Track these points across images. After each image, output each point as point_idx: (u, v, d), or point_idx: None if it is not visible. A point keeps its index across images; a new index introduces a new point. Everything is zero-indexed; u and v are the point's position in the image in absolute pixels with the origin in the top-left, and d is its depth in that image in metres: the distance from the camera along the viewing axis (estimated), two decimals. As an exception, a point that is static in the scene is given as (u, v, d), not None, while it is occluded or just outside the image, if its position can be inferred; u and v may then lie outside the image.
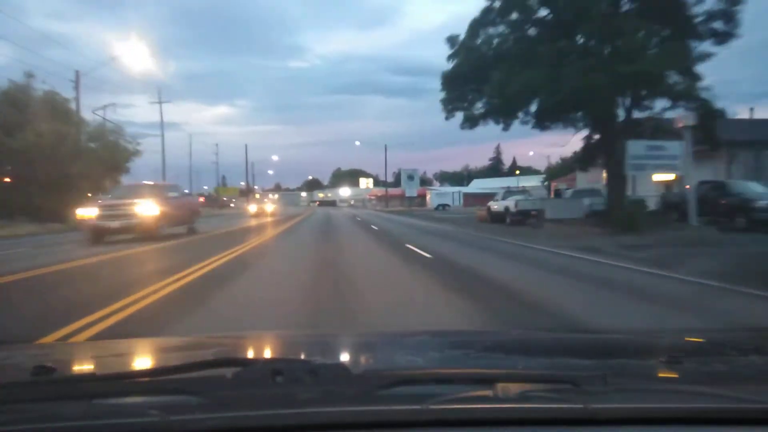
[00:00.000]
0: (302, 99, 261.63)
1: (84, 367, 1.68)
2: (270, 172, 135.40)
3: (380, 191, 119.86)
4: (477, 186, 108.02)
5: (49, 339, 4.47)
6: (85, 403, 1.07)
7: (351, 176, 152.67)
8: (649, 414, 1.11)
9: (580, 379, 1.15)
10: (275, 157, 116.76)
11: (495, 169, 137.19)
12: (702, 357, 1.74)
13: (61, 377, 1.28)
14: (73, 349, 2.32)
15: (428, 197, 74.24)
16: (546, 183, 71.31)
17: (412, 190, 74.55)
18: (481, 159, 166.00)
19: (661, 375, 1.37)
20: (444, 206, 66.41)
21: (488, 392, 1.12)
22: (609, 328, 5.06)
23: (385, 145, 71.43)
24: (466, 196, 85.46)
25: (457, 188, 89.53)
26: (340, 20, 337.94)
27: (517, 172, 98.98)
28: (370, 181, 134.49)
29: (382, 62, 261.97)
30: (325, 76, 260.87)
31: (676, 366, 1.38)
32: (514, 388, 1.13)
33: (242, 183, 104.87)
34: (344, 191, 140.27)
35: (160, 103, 54.30)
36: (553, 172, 70.53)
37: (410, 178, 73.17)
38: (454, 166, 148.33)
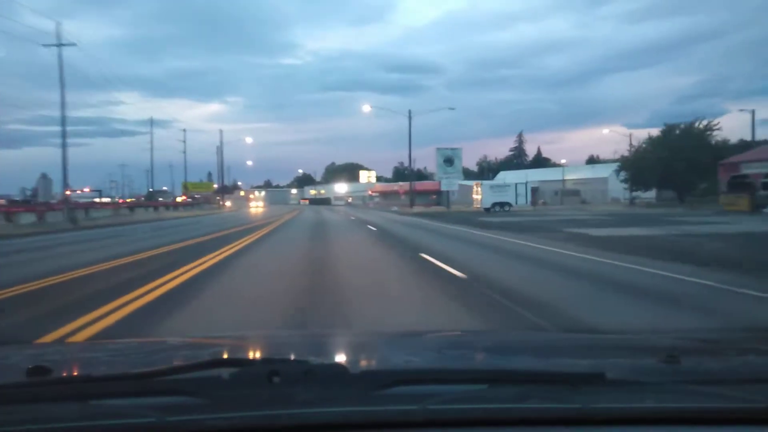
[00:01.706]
0: (295, 96, 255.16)
1: (81, 367, 1.65)
2: (249, 162, 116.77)
3: (385, 187, 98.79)
4: (511, 179, 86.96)
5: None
6: (82, 404, 1.07)
7: (348, 171, 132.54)
8: (647, 414, 1.11)
9: (578, 379, 1.15)
10: (249, 140, 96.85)
11: (516, 160, 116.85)
12: (701, 357, 1.71)
13: (58, 378, 1.27)
14: (70, 350, 2.24)
15: (476, 193, 48.71)
16: (620, 172, 50.97)
17: (451, 181, 49.77)
18: (479, 154, 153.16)
19: (659, 375, 1.34)
20: (503, 206, 44.03)
21: (486, 392, 1.13)
22: (608, 328, 4.86)
23: (409, 111, 48.73)
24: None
25: (520, 180, 67.01)
26: (332, 17, 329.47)
27: (564, 161, 78.84)
28: (373, 174, 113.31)
29: (376, 59, 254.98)
30: (318, 73, 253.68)
31: (675, 366, 1.36)
32: (513, 388, 1.14)
33: (239, 182, 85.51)
34: (340, 187, 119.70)
35: (59, 47, 32.47)
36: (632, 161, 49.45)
37: (448, 161, 48.55)
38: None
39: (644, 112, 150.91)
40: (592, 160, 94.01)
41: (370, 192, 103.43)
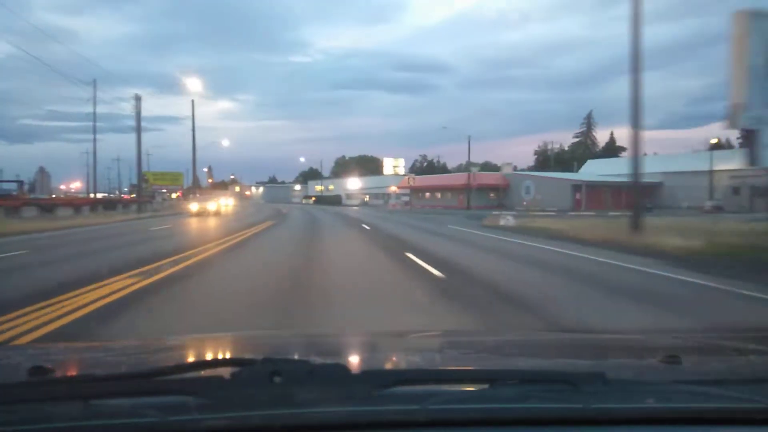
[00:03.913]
0: (304, 94, 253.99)
1: (82, 367, 1.63)
2: (225, 143, 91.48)
3: (426, 180, 70.52)
4: (605, 171, 58.80)
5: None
6: (83, 404, 1.06)
7: (362, 164, 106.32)
8: (648, 414, 1.11)
9: (579, 379, 1.14)
10: (193, 91, 70.56)
11: (582, 149, 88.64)
12: (702, 357, 1.69)
13: (58, 378, 1.26)
14: (71, 350, 2.19)
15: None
16: None
17: None
18: (490, 155, 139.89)
19: (660, 375, 1.33)
20: None
21: (487, 392, 1.12)
22: (608, 328, 4.79)
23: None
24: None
25: (614, 172, 37.10)
26: (342, 15, 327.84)
27: (713, 139, 50.98)
28: (401, 163, 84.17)
29: (385, 58, 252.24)
30: (328, 71, 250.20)
31: (676, 366, 1.36)
32: (513, 388, 1.13)
33: (232, 176, 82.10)
34: (353, 183, 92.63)
35: None
36: None
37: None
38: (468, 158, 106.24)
39: (656, 114, 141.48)
40: (719, 146, 66.07)
41: (394, 188, 76.08)
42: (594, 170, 61.46)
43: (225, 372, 1.10)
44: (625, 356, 1.75)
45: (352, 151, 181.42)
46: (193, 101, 60.51)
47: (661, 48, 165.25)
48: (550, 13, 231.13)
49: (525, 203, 50.79)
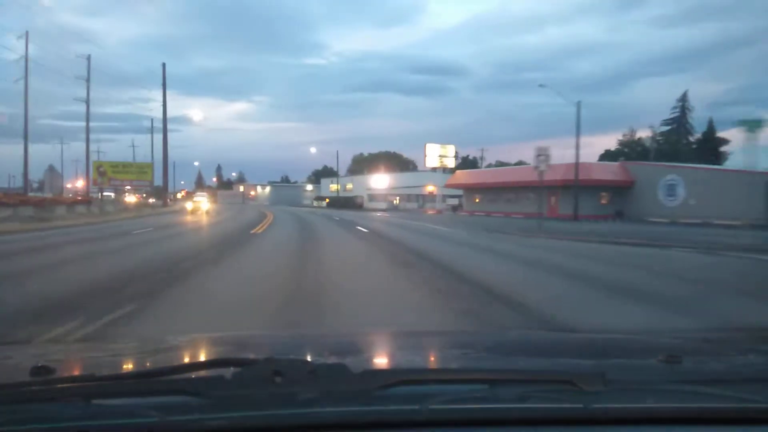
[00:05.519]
0: (320, 96, 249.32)
1: (83, 367, 1.63)
2: (197, 116, 78.34)
3: (483, 177, 50.01)
4: None
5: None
6: (84, 404, 1.06)
7: (386, 161, 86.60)
8: (649, 414, 1.11)
9: (579, 379, 1.14)
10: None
11: (676, 136, 67.45)
12: (702, 357, 1.69)
13: (60, 377, 1.26)
14: (72, 350, 2.20)
15: None
16: None
17: None
18: (516, 156, 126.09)
19: (660, 375, 1.33)
20: None
21: (488, 392, 1.12)
22: (609, 328, 4.85)
23: None
24: None
25: None
26: (359, 18, 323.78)
27: None
28: (449, 151, 60.53)
29: (401, 61, 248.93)
30: (344, 74, 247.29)
31: (676, 366, 1.35)
32: (514, 388, 1.13)
33: (233, 174, 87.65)
34: (378, 180, 72.35)
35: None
36: None
37: None
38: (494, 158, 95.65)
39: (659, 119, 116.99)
40: None
41: (432, 188, 55.58)
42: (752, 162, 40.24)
43: (226, 372, 1.10)
44: (625, 356, 1.74)
45: (367, 152, 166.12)
46: (163, 64, 46.02)
47: (680, 51, 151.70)
48: (566, 17, 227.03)
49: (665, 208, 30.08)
